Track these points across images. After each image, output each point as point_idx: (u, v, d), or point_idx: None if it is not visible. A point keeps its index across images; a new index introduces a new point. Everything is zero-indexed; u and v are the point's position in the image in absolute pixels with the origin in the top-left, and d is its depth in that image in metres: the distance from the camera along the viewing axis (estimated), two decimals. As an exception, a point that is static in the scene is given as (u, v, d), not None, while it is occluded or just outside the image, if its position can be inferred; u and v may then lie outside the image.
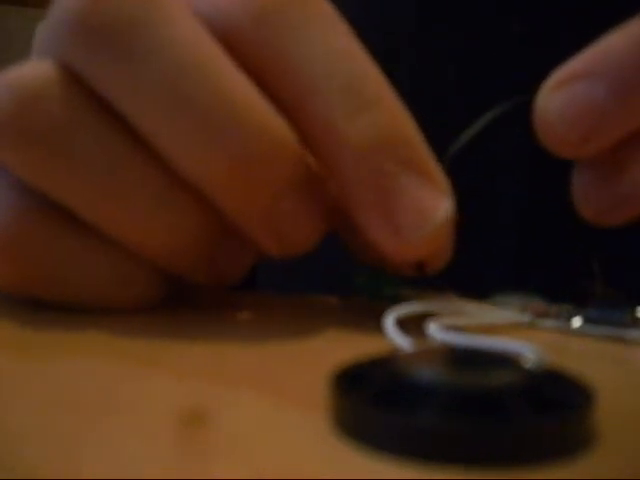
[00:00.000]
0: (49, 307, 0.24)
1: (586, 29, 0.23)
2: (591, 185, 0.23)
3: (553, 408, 0.13)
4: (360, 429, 0.13)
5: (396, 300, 0.26)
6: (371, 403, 0.13)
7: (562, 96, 0.21)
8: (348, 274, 0.28)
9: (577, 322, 0.24)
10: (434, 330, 0.21)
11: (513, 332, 0.24)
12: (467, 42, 0.42)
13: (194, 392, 0.16)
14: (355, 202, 0.22)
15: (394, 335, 0.20)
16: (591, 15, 0.37)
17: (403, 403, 0.13)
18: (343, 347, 0.21)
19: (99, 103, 0.21)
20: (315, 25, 0.22)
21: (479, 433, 0.12)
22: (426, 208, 0.22)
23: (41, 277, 0.23)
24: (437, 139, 0.24)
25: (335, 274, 0.33)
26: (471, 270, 0.41)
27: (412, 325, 0.22)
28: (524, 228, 0.41)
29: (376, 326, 0.22)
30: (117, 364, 0.18)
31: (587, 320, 0.24)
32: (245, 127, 0.20)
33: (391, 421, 0.13)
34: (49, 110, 0.21)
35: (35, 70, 0.21)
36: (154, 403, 0.16)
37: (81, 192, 0.22)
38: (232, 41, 0.22)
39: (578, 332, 0.24)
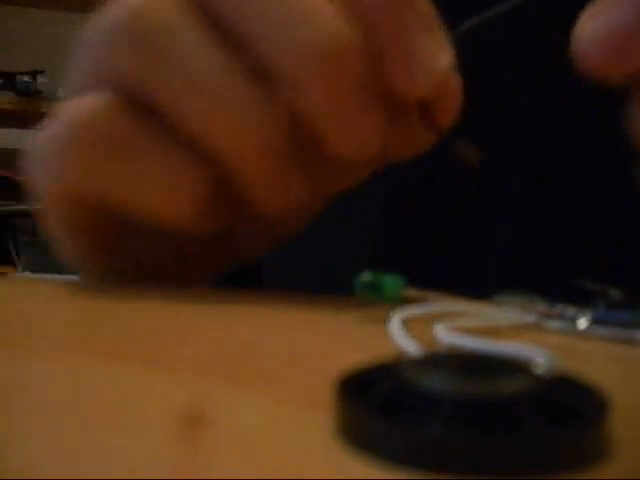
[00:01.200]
0: (50, 307, 0.24)
1: None
2: None
3: (567, 417, 0.13)
4: (366, 438, 0.13)
5: (398, 301, 0.26)
6: (377, 412, 0.13)
7: (595, 23, 0.23)
8: (350, 274, 0.28)
9: (584, 323, 0.24)
10: (441, 333, 0.21)
11: (520, 334, 0.23)
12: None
13: (194, 392, 0.16)
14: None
15: (400, 338, 0.20)
16: None
17: (410, 412, 0.13)
18: (345, 348, 0.21)
19: (200, 11, 0.25)
20: None
21: (491, 445, 0.12)
22: (434, 54, 0.25)
23: (105, 174, 0.25)
24: None
25: (337, 274, 0.33)
26: (469, 271, 0.41)
27: (416, 326, 0.22)
28: (522, 229, 0.41)
29: (379, 327, 0.22)
30: (117, 364, 0.18)
31: (595, 321, 0.24)
32: (325, 24, 0.24)
33: (397, 431, 0.12)
34: (157, 15, 0.24)
35: None
36: (154, 403, 0.15)
37: (175, 88, 0.24)
38: None
39: (585, 333, 0.24)
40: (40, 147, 0.26)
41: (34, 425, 0.14)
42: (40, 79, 2.03)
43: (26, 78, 2.01)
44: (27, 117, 2.12)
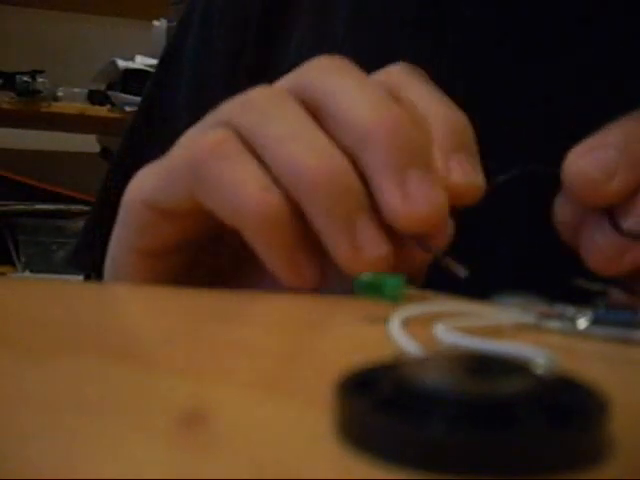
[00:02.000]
0: (50, 307, 0.24)
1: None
2: (597, 234, 0.28)
3: (567, 417, 0.13)
4: (366, 438, 0.13)
5: (398, 301, 0.26)
6: (377, 412, 0.13)
7: (586, 158, 0.28)
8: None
9: (584, 323, 0.24)
10: (441, 333, 0.21)
11: (520, 334, 0.23)
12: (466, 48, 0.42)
13: (194, 392, 0.16)
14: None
15: (400, 338, 0.20)
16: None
17: (410, 412, 0.13)
18: (345, 348, 0.21)
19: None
20: None
21: (491, 445, 0.12)
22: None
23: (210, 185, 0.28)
24: None
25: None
26: (469, 271, 0.41)
27: (416, 326, 0.22)
28: (522, 229, 0.41)
29: (379, 327, 0.22)
30: (117, 364, 0.18)
31: (595, 321, 0.24)
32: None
33: (397, 431, 0.12)
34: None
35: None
36: (154, 403, 0.15)
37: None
38: None
39: (585, 333, 0.24)
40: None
41: (34, 425, 0.14)
42: (40, 79, 2.03)
43: (26, 78, 2.01)
44: (26, 117, 2.12)
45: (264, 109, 0.28)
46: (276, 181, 0.27)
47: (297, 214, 0.27)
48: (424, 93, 0.29)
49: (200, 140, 0.28)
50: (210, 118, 0.30)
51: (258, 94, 0.29)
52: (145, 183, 0.30)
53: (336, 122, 0.28)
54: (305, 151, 0.27)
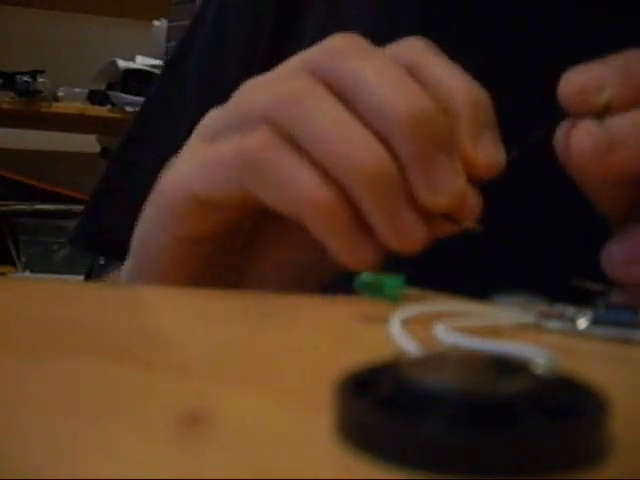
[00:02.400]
0: (50, 307, 0.24)
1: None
2: (588, 123, 0.28)
3: (567, 417, 0.13)
4: (366, 438, 0.13)
5: (398, 301, 0.26)
6: (377, 412, 0.13)
7: (581, 72, 0.29)
8: (351, 273, 0.28)
9: (583, 323, 0.24)
10: (441, 333, 0.21)
11: (520, 334, 0.23)
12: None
13: (194, 392, 0.16)
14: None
15: (401, 339, 0.20)
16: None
17: (410, 412, 0.13)
18: (345, 348, 0.21)
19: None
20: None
21: (491, 445, 0.12)
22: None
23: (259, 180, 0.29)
24: None
25: (339, 274, 0.33)
26: (469, 271, 0.41)
27: (416, 326, 0.22)
28: (523, 229, 0.41)
29: (379, 327, 0.22)
30: (117, 364, 0.18)
31: (595, 321, 0.24)
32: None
33: (397, 431, 0.12)
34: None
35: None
36: (154, 403, 0.16)
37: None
38: None
39: (585, 333, 0.24)
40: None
41: (34, 425, 0.14)
42: (40, 79, 2.03)
43: (26, 78, 2.01)
44: (27, 117, 2.12)
45: (302, 104, 0.29)
46: (324, 170, 0.29)
47: (350, 202, 0.29)
48: (444, 69, 0.30)
49: (247, 139, 0.29)
50: (243, 107, 0.31)
51: (291, 87, 0.30)
52: (188, 175, 0.31)
53: (361, 108, 0.29)
54: (351, 146, 0.28)
